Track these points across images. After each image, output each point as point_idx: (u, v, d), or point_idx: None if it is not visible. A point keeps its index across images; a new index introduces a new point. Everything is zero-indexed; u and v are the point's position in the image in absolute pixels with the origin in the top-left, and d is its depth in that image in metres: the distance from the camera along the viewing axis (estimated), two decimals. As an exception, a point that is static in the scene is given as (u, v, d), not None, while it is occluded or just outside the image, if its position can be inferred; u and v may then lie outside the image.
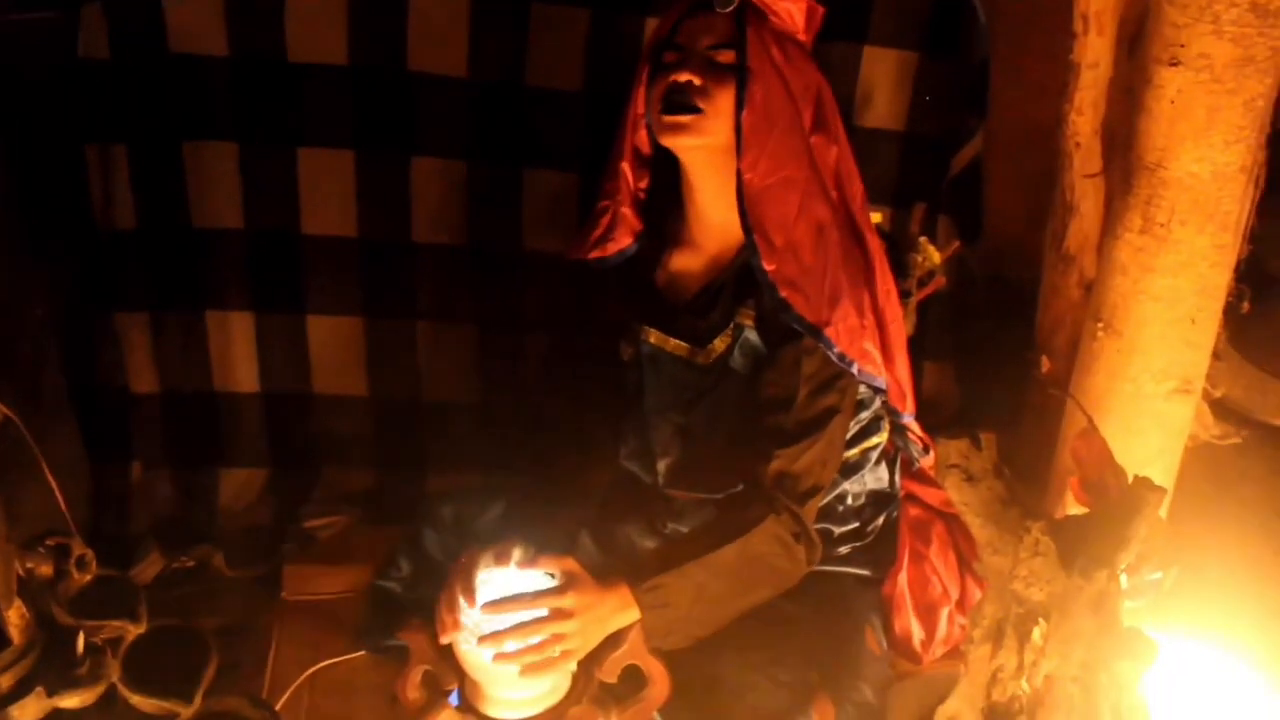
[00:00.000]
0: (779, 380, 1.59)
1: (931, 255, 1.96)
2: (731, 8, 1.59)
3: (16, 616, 1.26)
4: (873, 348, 1.61)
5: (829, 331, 1.56)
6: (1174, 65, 1.68)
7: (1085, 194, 1.97)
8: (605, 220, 1.71)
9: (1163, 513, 1.69)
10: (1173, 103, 1.70)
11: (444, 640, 1.42)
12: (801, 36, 1.68)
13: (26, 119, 2.07)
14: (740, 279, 1.64)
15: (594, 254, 1.72)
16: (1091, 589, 1.55)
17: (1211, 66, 1.65)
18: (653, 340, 1.69)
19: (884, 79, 2.16)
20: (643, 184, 1.71)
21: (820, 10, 1.70)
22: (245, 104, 2.13)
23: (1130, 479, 1.59)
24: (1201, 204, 1.74)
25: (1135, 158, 1.78)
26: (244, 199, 2.18)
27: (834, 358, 1.57)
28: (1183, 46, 1.66)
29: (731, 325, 1.64)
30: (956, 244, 2.17)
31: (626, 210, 1.70)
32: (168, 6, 2.06)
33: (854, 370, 1.59)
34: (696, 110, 1.56)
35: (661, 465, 1.70)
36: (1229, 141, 1.70)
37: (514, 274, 2.24)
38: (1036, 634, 1.65)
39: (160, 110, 2.11)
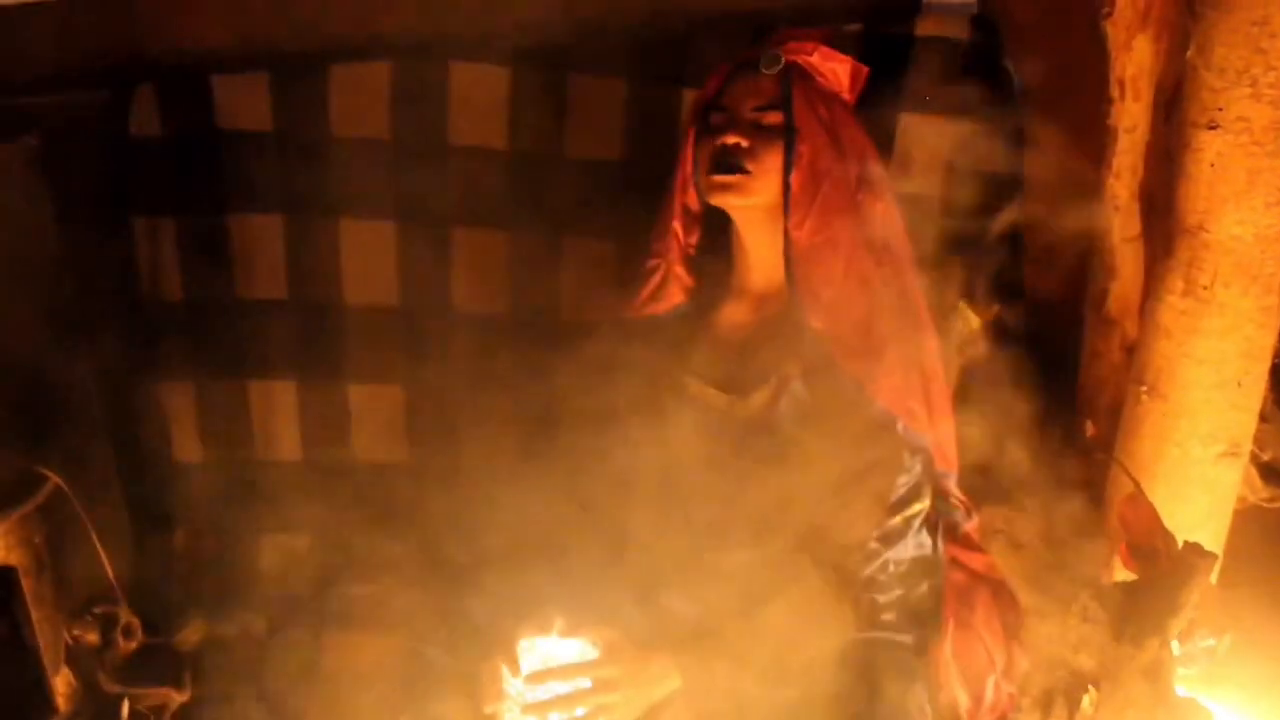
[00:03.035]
0: (823, 433, 1.59)
1: (971, 320, 1.96)
2: (777, 69, 1.61)
3: (64, 685, 1.27)
4: (918, 406, 1.60)
5: (871, 387, 1.56)
6: (1212, 129, 1.68)
7: (1125, 257, 1.97)
8: (657, 279, 1.72)
9: (1213, 578, 1.66)
10: (1212, 165, 1.70)
11: (486, 710, 1.41)
12: (846, 96, 1.70)
13: (80, 193, 2.12)
14: (785, 332, 1.64)
15: (647, 311, 1.73)
16: (1143, 657, 1.52)
17: (1251, 129, 1.66)
18: (694, 391, 1.69)
19: (920, 145, 2.17)
20: (693, 240, 1.73)
21: (864, 70, 1.72)
22: (290, 178, 2.17)
23: (1180, 544, 1.57)
24: (1244, 266, 1.73)
25: (1175, 221, 1.78)
26: (288, 270, 2.21)
27: (877, 413, 1.56)
28: (1221, 110, 1.67)
29: (776, 377, 1.64)
30: (996, 308, 2.16)
31: (678, 268, 1.72)
32: (216, 85, 2.11)
33: (898, 427, 1.58)
34: (744, 171, 1.58)
35: (701, 520, 1.69)
36: (1270, 203, 1.70)
37: (553, 342, 2.25)
38: (1086, 702, 1.62)
39: (207, 184, 2.16)
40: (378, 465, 2.32)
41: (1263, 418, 1.98)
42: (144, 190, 2.16)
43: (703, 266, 1.74)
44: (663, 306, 1.73)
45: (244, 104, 2.13)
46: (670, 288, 1.72)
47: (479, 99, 2.14)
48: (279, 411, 2.28)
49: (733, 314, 1.72)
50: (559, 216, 2.20)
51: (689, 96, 2.10)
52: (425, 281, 2.23)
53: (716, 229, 1.72)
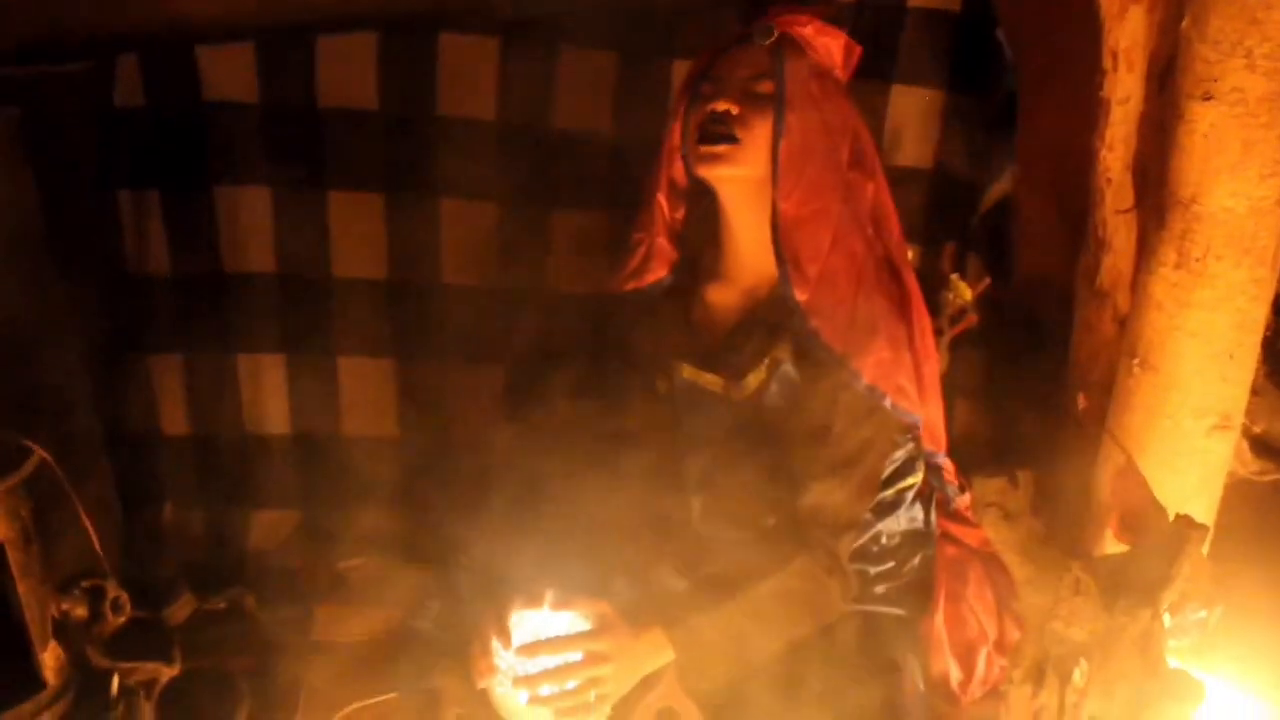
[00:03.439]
0: (814, 413, 1.58)
1: (963, 292, 1.96)
2: (771, 40, 1.60)
3: (52, 659, 1.26)
4: (908, 383, 1.60)
5: (856, 363, 1.55)
6: (1207, 100, 1.67)
7: (1118, 230, 1.96)
8: (641, 252, 1.71)
9: (1204, 550, 1.67)
10: (1206, 137, 1.69)
11: (479, 684, 1.40)
12: (839, 73, 1.69)
13: (63, 165, 2.10)
14: (775, 312, 1.63)
15: (630, 285, 1.72)
16: (1135, 628, 1.52)
17: (1245, 100, 1.65)
18: (686, 375, 1.69)
19: (911, 117, 2.16)
20: (678, 215, 1.71)
21: (858, 49, 1.71)
22: (276, 149, 2.15)
23: (1171, 516, 1.57)
24: (1237, 238, 1.73)
25: (1169, 193, 1.77)
26: (275, 243, 2.19)
27: (863, 389, 1.56)
28: (1215, 81, 1.66)
29: (767, 359, 1.63)
30: (987, 281, 2.16)
31: (662, 241, 1.70)
32: (201, 55, 2.09)
33: (886, 404, 1.57)
34: (733, 140, 1.57)
35: (696, 502, 1.69)
36: (1264, 175, 1.69)
37: (543, 314, 2.24)
38: (1078, 674, 1.62)
39: (193, 156, 2.14)
40: (367, 439, 2.31)
41: (1254, 391, 1.99)
42: (128, 162, 2.14)
43: (690, 245, 1.73)
44: (647, 280, 1.71)
45: (229, 75, 2.10)
46: (654, 261, 1.71)
47: (468, 70, 2.12)
48: (267, 385, 2.27)
49: (722, 296, 1.71)
50: (549, 189, 2.19)
51: (680, 70, 2.08)
52: (414, 254, 2.22)
53: (702, 207, 1.70)
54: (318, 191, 2.18)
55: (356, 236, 2.20)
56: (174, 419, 2.26)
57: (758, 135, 1.57)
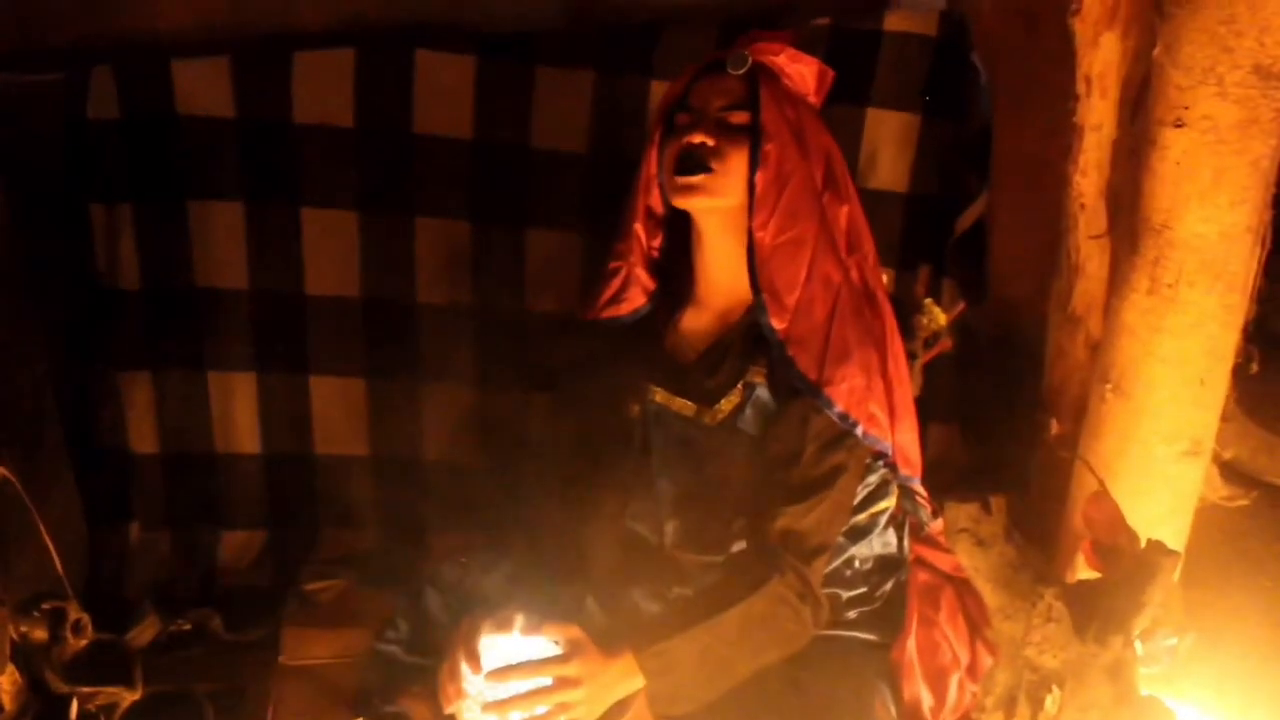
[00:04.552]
0: (786, 437, 1.58)
1: (937, 317, 1.96)
2: (744, 69, 1.60)
3: (9, 683, 1.24)
4: (879, 410, 1.59)
5: (829, 391, 1.55)
6: (1178, 126, 1.68)
7: (1090, 255, 1.97)
8: (618, 281, 1.70)
9: (1175, 576, 1.67)
10: (1178, 164, 1.71)
11: (447, 709, 1.39)
12: (812, 99, 1.69)
13: (34, 176, 2.08)
14: (749, 338, 1.63)
15: (607, 314, 1.71)
16: (1107, 656, 1.52)
17: (1216, 128, 1.66)
18: (659, 399, 1.68)
19: (887, 141, 2.17)
20: (655, 243, 1.71)
21: (831, 73, 1.71)
22: (250, 165, 2.13)
23: (1143, 542, 1.57)
24: (1209, 265, 1.74)
25: (1141, 219, 1.78)
26: (248, 259, 2.18)
27: (834, 417, 1.55)
28: (1187, 108, 1.67)
29: (741, 384, 1.63)
30: (961, 305, 2.16)
31: (640, 270, 1.70)
32: (176, 68, 2.07)
33: (858, 432, 1.57)
34: (709, 170, 1.56)
35: (668, 526, 1.68)
36: (1235, 202, 1.70)
37: (517, 333, 2.24)
38: (1050, 702, 1.62)
39: (166, 170, 2.12)
40: (339, 458, 2.29)
41: (1224, 417, 2.00)
42: (101, 175, 2.12)
43: (664, 270, 1.72)
44: (624, 309, 1.71)
45: (205, 89, 2.09)
46: (631, 290, 1.71)
47: (445, 88, 2.12)
48: (238, 403, 2.25)
49: (695, 321, 1.71)
50: (524, 208, 2.18)
51: (657, 89, 2.08)
52: (388, 272, 2.21)
53: (679, 233, 1.70)
54: (292, 208, 2.16)
55: (330, 254, 2.19)
56: (142, 436, 2.24)
57: (732, 166, 1.57)
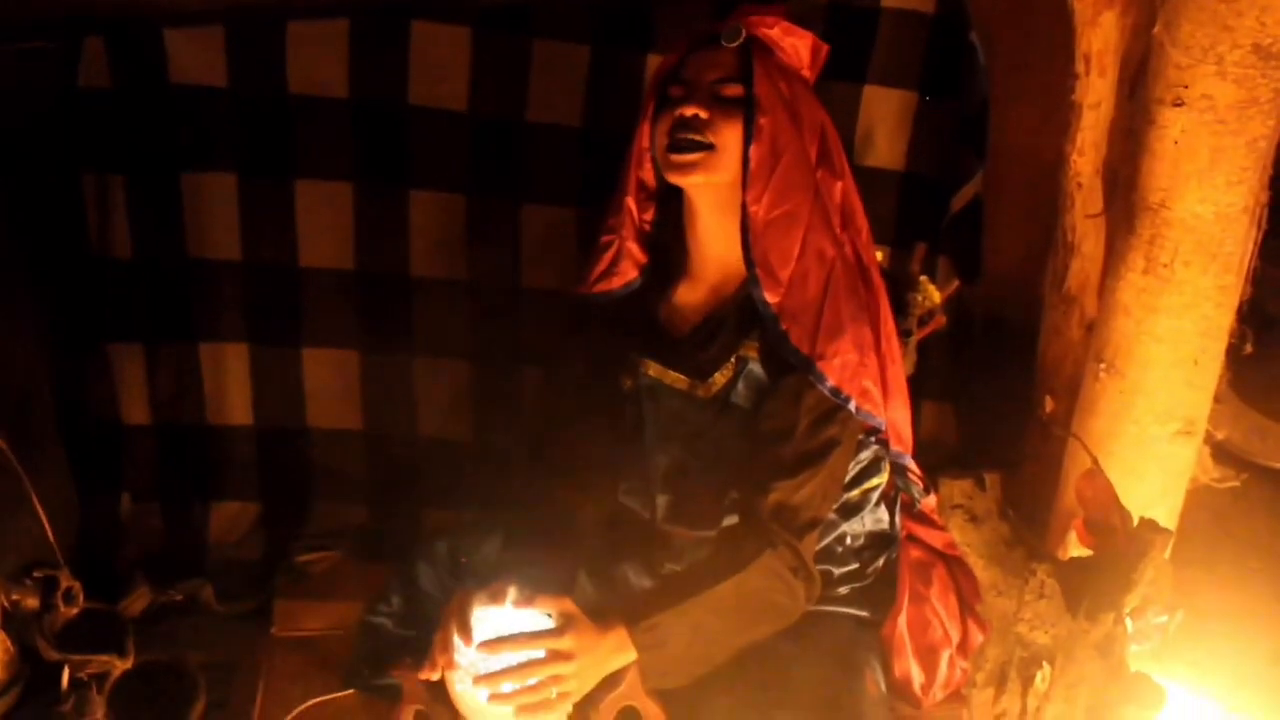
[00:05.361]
0: (779, 412, 1.58)
1: (931, 294, 1.96)
2: (738, 42, 1.60)
3: (0, 651, 1.23)
4: (872, 386, 1.59)
5: (822, 365, 1.55)
6: (1177, 106, 1.68)
7: (1087, 234, 1.97)
8: (610, 254, 1.70)
9: (1166, 554, 1.67)
10: (1176, 143, 1.70)
11: (433, 675, 1.39)
12: (806, 73, 1.68)
13: (25, 146, 2.06)
14: (742, 311, 1.63)
15: (599, 288, 1.71)
16: (1097, 632, 1.53)
17: (1215, 107, 1.66)
18: (652, 373, 1.68)
19: (884, 119, 2.16)
20: (647, 217, 1.70)
21: (825, 48, 1.70)
22: (244, 135, 2.12)
23: (1135, 520, 1.58)
24: (1205, 245, 1.74)
25: (1138, 198, 1.78)
26: (241, 230, 2.16)
27: (827, 392, 1.55)
28: (1186, 87, 1.67)
29: (734, 358, 1.63)
30: (956, 283, 2.16)
31: (632, 244, 1.69)
32: (169, 37, 2.05)
33: (850, 407, 1.57)
34: (705, 147, 1.56)
35: (661, 501, 1.68)
36: (1232, 182, 1.70)
37: (511, 308, 2.23)
38: (1040, 678, 1.63)
39: (159, 140, 2.11)
40: (331, 432, 2.28)
41: (1217, 398, 2.00)
42: (93, 145, 2.10)
43: (657, 243, 1.72)
44: (616, 283, 1.70)
45: (198, 59, 2.07)
46: (624, 264, 1.70)
47: (440, 59, 2.10)
48: (230, 375, 2.24)
49: (689, 295, 1.71)
50: (519, 181, 2.17)
51: (653, 62, 2.07)
52: (382, 244, 2.19)
53: (670, 206, 1.70)
54: (285, 179, 2.15)
55: (324, 226, 2.18)
56: (134, 407, 2.23)
57: (727, 140, 1.56)
